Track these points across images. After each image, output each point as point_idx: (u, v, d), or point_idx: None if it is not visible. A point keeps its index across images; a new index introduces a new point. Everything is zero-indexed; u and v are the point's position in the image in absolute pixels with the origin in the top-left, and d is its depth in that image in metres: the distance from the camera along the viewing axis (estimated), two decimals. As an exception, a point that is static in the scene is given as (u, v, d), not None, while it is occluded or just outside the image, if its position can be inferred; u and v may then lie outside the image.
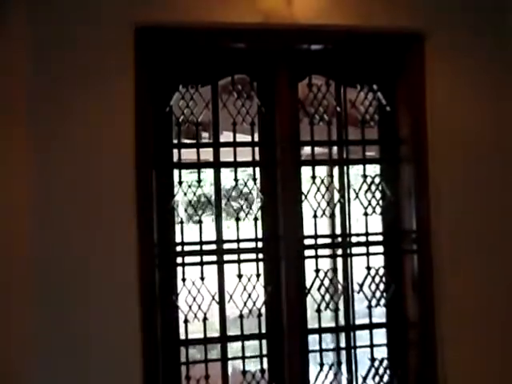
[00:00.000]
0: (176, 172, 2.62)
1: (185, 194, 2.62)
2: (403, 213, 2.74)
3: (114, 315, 2.37)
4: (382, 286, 2.74)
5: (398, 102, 2.76)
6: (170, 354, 2.58)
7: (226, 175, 2.70)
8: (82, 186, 2.38)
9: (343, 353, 2.71)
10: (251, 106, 2.65)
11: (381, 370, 2.73)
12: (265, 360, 2.65)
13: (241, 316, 2.64)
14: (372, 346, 2.74)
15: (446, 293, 2.62)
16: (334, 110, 2.74)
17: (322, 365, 2.68)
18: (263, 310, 2.65)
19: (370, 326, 2.75)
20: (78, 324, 2.34)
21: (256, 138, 2.68)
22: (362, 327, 2.77)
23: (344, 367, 2.70)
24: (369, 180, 2.75)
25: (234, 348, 2.67)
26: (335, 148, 2.77)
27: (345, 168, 2.73)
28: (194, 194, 2.65)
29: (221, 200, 2.63)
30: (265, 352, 2.65)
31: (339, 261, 2.72)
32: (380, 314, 2.81)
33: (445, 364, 2.60)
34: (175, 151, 2.62)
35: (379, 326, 2.81)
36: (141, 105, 2.43)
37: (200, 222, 2.65)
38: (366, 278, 2.73)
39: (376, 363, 2.73)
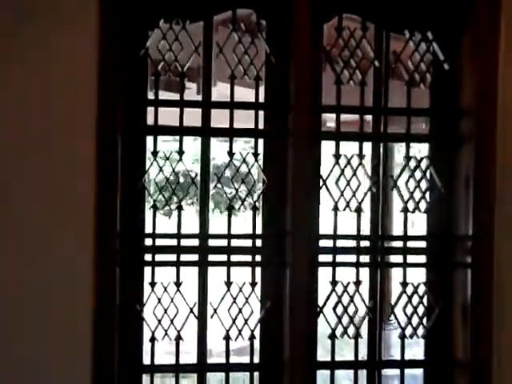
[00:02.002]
0: (150, 139, 2.63)
1: (160, 170, 2.63)
2: (457, 212, 2.74)
3: (59, 331, 2.44)
4: (421, 311, 2.74)
5: (461, 59, 2.74)
6: (130, 382, 2.60)
7: (218, 147, 2.67)
8: (29, 155, 2.44)
9: None
10: (257, 53, 2.65)
11: None
12: None
13: (227, 338, 2.66)
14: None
15: (509, 324, 2.62)
16: (371, 64, 2.73)
17: None
18: (257, 332, 2.68)
19: (402, 364, 2.76)
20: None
21: (261, 99, 2.67)
22: (391, 364, 2.77)
23: None
24: (413, 164, 2.74)
25: (215, 380, 2.74)
26: (369, 117, 2.75)
27: (381, 146, 2.72)
28: (173, 170, 2.66)
29: (209, 181, 2.63)
30: None
31: (365, 272, 2.72)
32: (416, 349, 2.84)
33: None
34: (150, 110, 2.63)
35: (414, 364, 2.82)
36: (107, 46, 2.46)
37: (179, 208, 2.66)
38: (400, 297, 2.74)
39: None
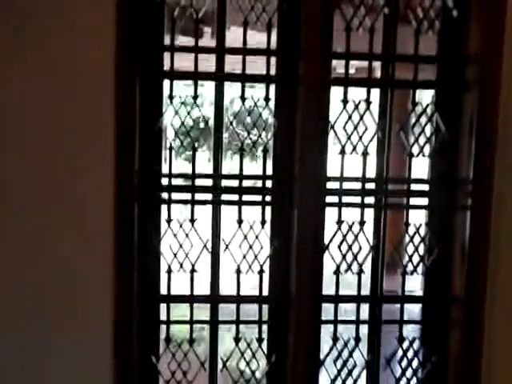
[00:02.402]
0: (166, 83, 2.75)
1: (176, 113, 2.77)
2: (460, 157, 2.86)
3: (83, 260, 2.64)
4: (421, 250, 2.88)
5: (470, 6, 2.81)
6: (149, 310, 2.81)
7: (231, 92, 2.80)
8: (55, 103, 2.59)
9: (364, 327, 2.91)
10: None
11: (410, 353, 2.92)
12: (264, 328, 2.88)
13: (238, 271, 2.84)
14: (402, 321, 2.92)
15: (503, 265, 2.79)
16: (380, 11, 2.79)
17: (335, 340, 2.90)
18: (266, 267, 2.84)
19: (402, 299, 2.93)
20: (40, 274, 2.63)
21: (273, 45, 2.77)
22: (392, 299, 2.94)
23: (364, 345, 2.91)
24: (419, 110, 2.84)
25: (227, 311, 2.92)
26: (377, 64, 2.85)
27: (389, 91, 2.83)
28: (189, 113, 2.80)
29: (222, 123, 2.77)
30: (265, 318, 2.87)
31: (369, 212, 2.86)
32: (416, 285, 2.97)
33: (491, 350, 2.82)
34: (167, 56, 2.74)
35: (413, 299, 3.01)
36: None
37: (194, 149, 2.82)
38: (403, 237, 2.89)
39: (405, 344, 2.93)
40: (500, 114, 2.74)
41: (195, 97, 2.78)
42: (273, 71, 2.78)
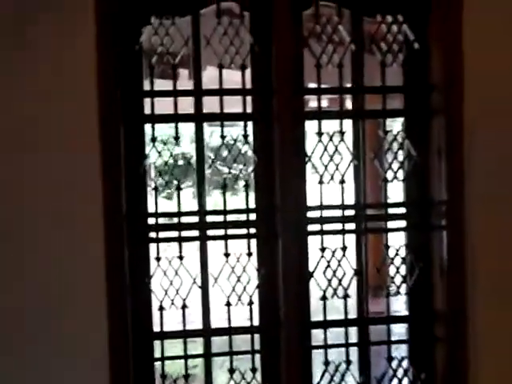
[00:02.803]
0: (148, 127, 2.89)
1: (159, 154, 2.91)
2: (432, 180, 3.02)
3: (77, 302, 2.73)
4: (403, 270, 3.03)
5: (430, 38, 3.00)
6: (142, 348, 2.90)
7: (211, 131, 2.96)
8: (38, 147, 2.71)
9: (354, 350, 3.03)
10: (242, 43, 2.90)
11: (400, 372, 3.04)
12: (257, 357, 2.97)
13: (228, 304, 2.95)
14: (390, 342, 3.06)
15: (481, 278, 2.93)
16: (348, 48, 2.97)
17: (327, 363, 3.00)
18: (256, 298, 2.95)
19: (388, 320, 3.07)
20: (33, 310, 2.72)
21: (248, 85, 2.92)
22: (379, 321, 3.06)
23: (354, 367, 3.02)
24: (390, 137, 3.00)
25: (219, 343, 3.02)
26: (348, 97, 3.02)
27: (360, 122, 2.98)
28: (171, 154, 2.95)
29: (204, 161, 2.90)
30: (257, 347, 2.97)
31: (350, 238, 2.99)
32: (400, 305, 3.12)
33: (478, 366, 2.94)
34: (147, 101, 2.89)
35: (399, 319, 3.16)
36: (103, 43, 2.72)
37: (178, 188, 2.94)
38: (383, 259, 3.04)
39: (394, 363, 3.05)
40: (465, 138, 2.91)
41: (176, 137, 2.92)
42: (249, 109, 2.93)
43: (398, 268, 3.03)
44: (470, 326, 2.94)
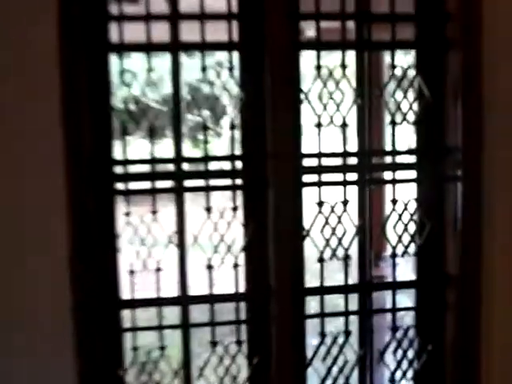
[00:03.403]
0: (115, 58, 2.65)
1: (128, 88, 2.65)
2: (447, 123, 2.81)
3: (34, 262, 2.51)
4: (411, 227, 2.83)
5: None
6: (110, 318, 2.71)
7: (190, 64, 2.68)
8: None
9: (354, 319, 2.84)
10: None
11: (405, 343, 2.87)
12: (243, 328, 2.78)
13: (209, 266, 2.75)
14: (394, 309, 2.87)
15: (499, 238, 2.73)
16: None
17: (323, 335, 2.82)
18: (242, 260, 2.76)
19: (394, 285, 2.87)
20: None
21: (234, 8, 2.68)
22: (383, 286, 2.94)
23: (354, 338, 2.83)
24: (399, 73, 2.79)
25: (199, 312, 2.81)
26: (351, 24, 2.77)
27: (365, 54, 2.76)
28: (143, 91, 2.69)
29: (180, 100, 2.63)
30: (243, 317, 2.77)
31: (352, 190, 2.80)
32: (406, 267, 2.95)
33: (491, 336, 2.77)
34: (114, 27, 2.62)
35: (405, 284, 2.95)
36: None
37: (151, 131, 2.70)
38: (390, 214, 2.83)
39: (399, 333, 2.87)
40: (485, 74, 2.69)
41: (149, 70, 2.66)
42: (235, 37, 2.69)
43: (405, 225, 2.83)
44: (484, 292, 2.75)
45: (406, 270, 3.09)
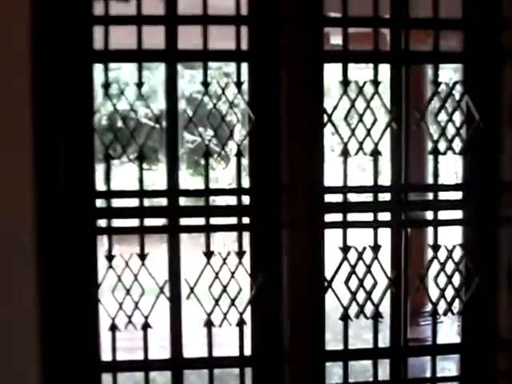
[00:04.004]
0: (99, 68, 2.46)
1: (114, 108, 2.44)
2: (501, 153, 2.60)
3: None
4: (456, 279, 2.62)
5: None
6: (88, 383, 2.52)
7: (189, 76, 2.41)
8: None
9: None
10: None
11: None
12: None
13: (208, 323, 2.56)
14: (435, 379, 2.65)
15: None
16: None
17: None
18: (248, 316, 2.59)
19: (434, 349, 2.68)
20: None
21: (244, 10, 2.48)
22: (421, 351, 2.74)
23: None
24: (443, 91, 2.57)
25: (195, 379, 2.69)
26: (386, 31, 2.58)
27: (402, 68, 2.55)
28: (131, 107, 2.48)
29: (177, 119, 2.44)
30: None
31: (385, 233, 2.57)
32: (450, 328, 2.68)
33: None
34: (99, 30, 2.44)
35: (448, 348, 2.77)
36: None
37: (141, 157, 2.48)
38: (431, 263, 2.62)
39: None
40: None
41: (139, 84, 2.44)
42: (244, 45, 2.49)
43: (449, 277, 2.60)
44: None
45: (449, 332, 2.80)
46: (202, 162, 2.59)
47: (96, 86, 2.50)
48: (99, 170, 2.49)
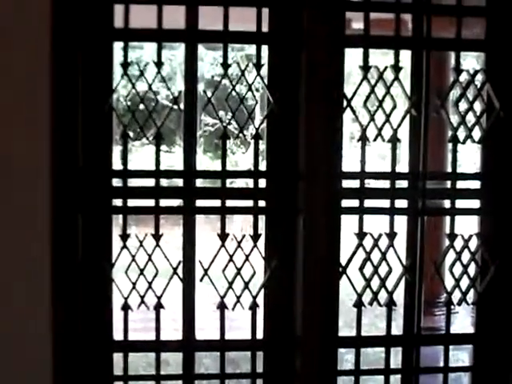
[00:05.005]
0: (118, 46, 2.51)
1: (133, 87, 2.51)
2: None
3: (11, 295, 2.40)
4: (472, 269, 2.68)
5: None
6: (100, 362, 2.59)
7: (208, 57, 2.50)
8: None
9: (396, 379, 2.68)
10: None
11: None
12: (259, 383, 2.66)
13: (221, 306, 2.64)
14: (447, 369, 2.71)
15: None
16: None
17: None
18: (261, 300, 2.66)
19: (447, 339, 2.74)
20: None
21: None
22: (434, 340, 2.77)
23: None
24: (464, 79, 2.62)
25: (206, 361, 2.80)
26: (407, 17, 2.63)
27: (424, 54, 2.61)
28: (150, 87, 2.54)
29: (196, 100, 2.51)
30: (260, 370, 2.64)
31: (401, 220, 2.64)
32: (464, 318, 2.81)
33: None
34: (119, 9, 2.49)
35: (462, 338, 2.81)
36: None
37: (158, 138, 2.56)
38: (447, 252, 2.68)
39: None
40: None
41: (159, 64, 2.50)
42: (265, 27, 2.55)
43: (465, 267, 2.65)
44: None
45: (464, 322, 2.88)
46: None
47: (116, 65, 2.51)
48: (117, 151, 2.54)
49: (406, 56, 2.61)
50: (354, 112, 2.58)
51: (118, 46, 2.52)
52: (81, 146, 2.47)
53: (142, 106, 2.54)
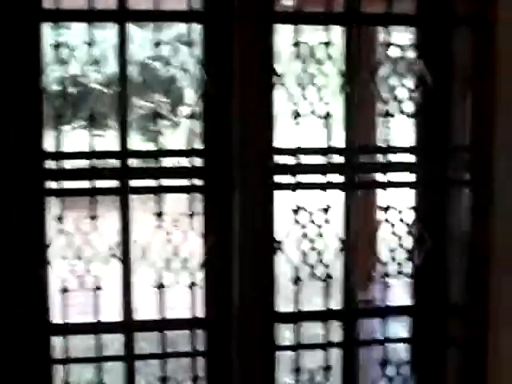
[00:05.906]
0: (46, 27, 2.57)
1: (61, 64, 2.57)
2: (452, 117, 2.79)
3: None
4: (408, 243, 2.79)
5: None
6: (37, 346, 2.64)
7: (140, 37, 2.59)
8: None
9: (336, 352, 2.78)
10: None
11: (397, 382, 2.85)
12: (200, 361, 2.73)
13: (160, 286, 2.70)
14: (386, 341, 2.83)
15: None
16: None
17: (298, 371, 2.77)
18: (199, 278, 2.73)
19: (385, 312, 2.84)
20: None
21: None
22: (372, 313, 2.90)
23: (336, 376, 2.78)
24: (395, 54, 2.74)
25: (146, 341, 2.77)
26: None
27: (354, 30, 2.70)
28: (83, 70, 2.66)
29: (127, 81, 2.56)
30: (201, 348, 2.73)
31: (336, 195, 2.74)
32: (401, 291, 2.91)
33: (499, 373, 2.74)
34: None
35: (399, 310, 2.91)
36: None
37: (92, 118, 2.64)
38: (381, 226, 2.80)
39: (391, 370, 2.84)
40: (501, 57, 2.65)
41: (90, 44, 2.58)
42: (196, 4, 2.63)
43: (400, 239, 2.77)
44: (492, 324, 2.71)
45: (400, 294, 3.02)
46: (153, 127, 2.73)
47: (44, 47, 2.55)
48: (49, 135, 2.59)
49: (337, 32, 2.68)
50: (286, 88, 2.64)
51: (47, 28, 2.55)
52: (13, 129, 2.50)
53: (73, 90, 2.64)
